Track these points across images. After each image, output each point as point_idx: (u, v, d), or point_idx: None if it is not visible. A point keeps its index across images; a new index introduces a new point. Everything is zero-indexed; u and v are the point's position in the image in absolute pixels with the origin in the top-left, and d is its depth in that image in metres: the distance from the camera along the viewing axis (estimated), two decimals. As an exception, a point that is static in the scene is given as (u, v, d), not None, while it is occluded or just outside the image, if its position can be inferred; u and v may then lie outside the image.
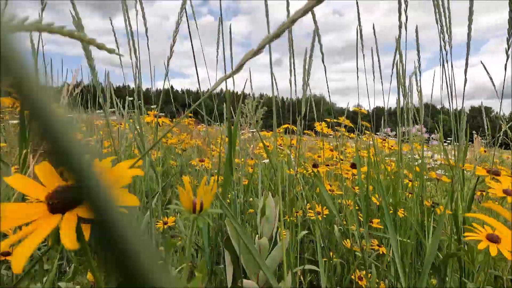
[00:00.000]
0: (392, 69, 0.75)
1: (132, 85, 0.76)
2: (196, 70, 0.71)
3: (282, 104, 1.48)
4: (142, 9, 0.69)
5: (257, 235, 0.53)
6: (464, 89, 0.61)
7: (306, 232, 0.88)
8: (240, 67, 0.17)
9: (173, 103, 1.62)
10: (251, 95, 1.42)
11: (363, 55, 0.85)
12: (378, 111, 1.25)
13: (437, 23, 0.62)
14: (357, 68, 0.97)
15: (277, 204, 0.53)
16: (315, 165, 0.95)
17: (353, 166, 0.83)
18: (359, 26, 0.79)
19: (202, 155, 2.08)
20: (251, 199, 1.24)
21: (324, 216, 0.86)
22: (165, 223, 0.88)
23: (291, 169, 0.97)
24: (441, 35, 0.63)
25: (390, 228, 0.52)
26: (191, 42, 0.75)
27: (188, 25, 0.74)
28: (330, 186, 0.96)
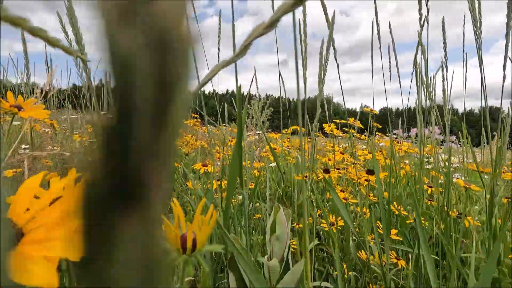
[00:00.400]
0: (414, 66, 0.68)
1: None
2: (196, 69, 0.66)
3: (289, 104, 1.41)
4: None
5: (266, 256, 0.47)
6: (502, 86, 0.54)
7: (318, 243, 0.82)
8: (247, 46, 0.11)
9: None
10: (257, 96, 1.36)
11: (381, 53, 0.78)
12: (388, 111, 1.18)
13: (470, 12, 0.56)
14: (372, 66, 0.90)
15: (288, 219, 0.47)
16: (326, 170, 0.88)
17: (370, 172, 0.77)
18: (377, 20, 0.72)
19: (207, 157, 2.03)
20: (257, 204, 1.17)
21: (339, 227, 0.79)
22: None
23: (299, 174, 0.90)
24: (474, 28, 0.56)
25: (425, 248, 0.45)
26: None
27: (188, 25, 0.68)
28: (343, 192, 0.89)
